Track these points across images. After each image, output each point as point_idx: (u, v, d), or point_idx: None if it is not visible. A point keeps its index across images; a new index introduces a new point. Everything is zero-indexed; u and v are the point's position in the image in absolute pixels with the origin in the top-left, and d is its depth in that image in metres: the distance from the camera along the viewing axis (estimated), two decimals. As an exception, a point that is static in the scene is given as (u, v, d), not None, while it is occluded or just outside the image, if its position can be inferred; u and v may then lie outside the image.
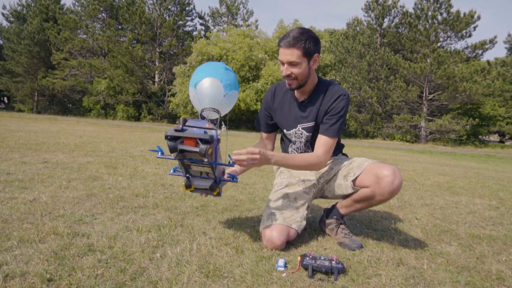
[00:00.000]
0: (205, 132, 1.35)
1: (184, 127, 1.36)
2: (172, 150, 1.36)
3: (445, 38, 21.19)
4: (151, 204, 2.25)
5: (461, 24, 19.86)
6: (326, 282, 1.32)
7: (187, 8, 26.97)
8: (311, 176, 1.93)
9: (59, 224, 1.70)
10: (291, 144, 1.94)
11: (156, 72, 26.02)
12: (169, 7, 26.00)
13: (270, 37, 23.08)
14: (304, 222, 1.77)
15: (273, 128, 1.99)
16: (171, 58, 26.28)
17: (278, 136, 2.03)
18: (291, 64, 1.66)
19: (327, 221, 1.92)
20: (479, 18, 19.98)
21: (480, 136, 23.73)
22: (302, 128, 1.84)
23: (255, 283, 1.27)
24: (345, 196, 1.86)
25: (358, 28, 25.08)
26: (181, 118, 1.39)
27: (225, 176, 1.66)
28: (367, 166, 1.73)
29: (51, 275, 1.20)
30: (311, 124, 1.81)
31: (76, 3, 28.28)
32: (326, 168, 1.92)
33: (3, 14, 31.61)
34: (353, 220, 2.30)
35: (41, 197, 2.18)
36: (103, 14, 27.78)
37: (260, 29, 38.60)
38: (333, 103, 1.74)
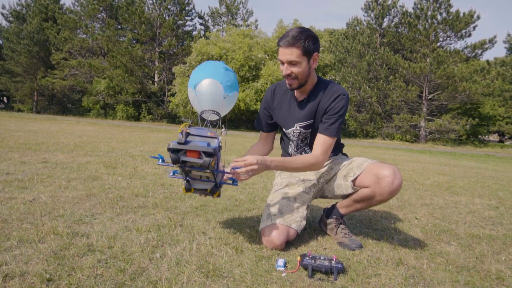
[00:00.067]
0: (209, 145, 1.35)
1: (187, 140, 1.35)
2: (174, 162, 1.36)
3: (445, 38, 21.21)
4: (151, 204, 2.25)
5: (461, 24, 19.87)
6: (326, 282, 1.32)
7: (186, 8, 26.96)
8: (311, 176, 1.93)
9: (58, 224, 1.69)
10: (290, 143, 1.94)
11: (156, 72, 26.01)
12: (169, 7, 25.99)
13: (270, 37, 23.08)
14: (304, 222, 1.77)
15: (272, 127, 1.99)
16: (171, 58, 26.27)
17: (278, 136, 2.03)
18: (291, 63, 1.66)
19: (327, 221, 1.92)
20: (478, 18, 20.00)
21: (479, 136, 23.74)
22: (301, 127, 1.84)
23: (254, 283, 1.27)
24: (345, 196, 1.86)
25: (357, 28, 25.09)
26: (183, 129, 1.37)
27: (225, 179, 1.66)
28: (367, 166, 1.73)
29: (50, 275, 1.20)
30: (310, 122, 1.81)
31: (76, 3, 28.29)
32: (326, 168, 1.92)
33: (2, 14, 31.62)
34: (353, 220, 2.30)
35: (40, 197, 2.17)
36: (102, 14, 27.77)
37: (260, 29, 38.66)
38: (332, 103, 1.74)
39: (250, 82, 20.22)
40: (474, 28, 20.41)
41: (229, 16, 31.15)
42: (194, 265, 1.37)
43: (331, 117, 1.74)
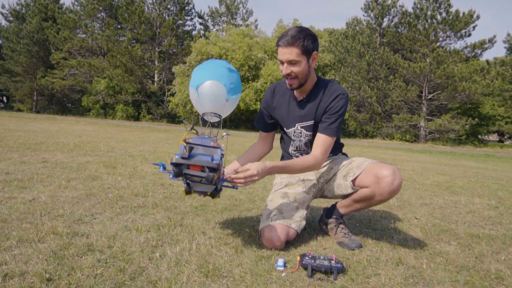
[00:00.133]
0: (212, 159, 1.35)
1: (191, 154, 1.35)
2: (177, 175, 1.37)
3: (445, 38, 21.21)
4: (151, 203, 2.25)
5: (460, 23, 19.88)
6: (326, 281, 1.32)
7: (186, 8, 26.96)
8: (311, 176, 1.93)
9: (58, 224, 1.69)
10: (291, 142, 1.94)
11: (156, 71, 26.00)
12: (169, 6, 25.99)
13: (270, 36, 23.08)
14: (304, 222, 1.77)
15: (272, 127, 1.99)
16: (171, 58, 26.27)
17: (278, 135, 2.03)
18: (291, 62, 1.66)
19: (327, 220, 1.92)
20: (478, 17, 20.01)
21: (479, 136, 23.75)
22: (301, 127, 1.84)
23: (254, 282, 1.27)
24: (345, 196, 1.86)
25: (357, 28, 25.08)
26: (186, 138, 1.37)
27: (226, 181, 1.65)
28: (366, 166, 1.73)
29: (50, 275, 1.20)
30: (310, 122, 1.81)
31: (75, 3, 28.30)
32: (325, 168, 1.92)
33: (2, 14, 31.62)
34: (353, 220, 2.30)
35: (40, 196, 2.17)
36: (102, 14, 27.76)
37: (260, 28, 38.68)
38: (332, 102, 1.74)
39: (250, 82, 20.23)
40: (473, 28, 20.43)
41: (228, 16, 31.14)
42: (194, 265, 1.37)
43: (331, 117, 1.74)
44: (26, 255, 1.33)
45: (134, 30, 25.76)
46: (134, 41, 26.22)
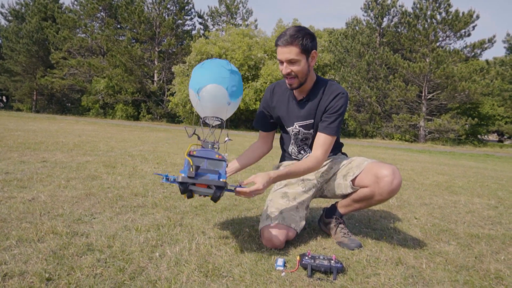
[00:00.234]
0: (219, 178, 1.36)
1: (198, 172, 1.35)
2: (183, 192, 1.38)
3: (444, 38, 21.22)
4: (150, 203, 2.25)
5: (460, 23, 19.88)
6: (325, 281, 1.32)
7: (186, 7, 26.95)
8: (311, 175, 1.93)
9: (58, 224, 1.69)
10: (291, 142, 1.94)
11: (155, 71, 25.99)
12: (168, 6, 25.97)
13: (269, 36, 23.09)
14: (303, 222, 1.77)
15: (272, 126, 1.99)
16: (170, 58, 26.26)
17: (277, 135, 2.03)
18: (290, 62, 1.66)
19: (326, 220, 1.92)
20: (478, 17, 20.02)
21: (479, 136, 23.77)
22: (300, 126, 1.84)
23: (254, 282, 1.27)
24: (345, 196, 1.86)
25: (357, 28, 25.08)
26: (191, 155, 1.36)
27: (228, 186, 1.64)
28: (366, 166, 1.74)
29: (50, 275, 1.19)
30: (310, 122, 1.81)
31: (75, 2, 28.27)
32: (325, 168, 1.92)
33: (1, 13, 31.57)
34: (352, 220, 2.30)
35: (40, 196, 2.17)
36: (102, 13, 27.74)
37: (259, 28, 38.68)
38: (331, 101, 1.74)
39: (250, 81, 20.23)
40: (473, 27, 20.44)
41: (228, 16, 31.12)
42: (194, 265, 1.37)
43: (331, 116, 1.74)
44: (26, 254, 1.33)
45: (134, 30, 25.75)
46: (134, 40, 26.21)
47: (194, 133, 1.50)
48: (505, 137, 27.85)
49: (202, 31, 27.72)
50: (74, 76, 26.76)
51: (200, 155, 1.38)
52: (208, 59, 1.71)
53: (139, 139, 7.60)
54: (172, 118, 24.96)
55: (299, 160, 1.96)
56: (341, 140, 2.07)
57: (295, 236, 1.72)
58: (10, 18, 31.10)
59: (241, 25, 27.93)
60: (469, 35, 20.65)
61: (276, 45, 1.68)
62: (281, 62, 1.69)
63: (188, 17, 27.92)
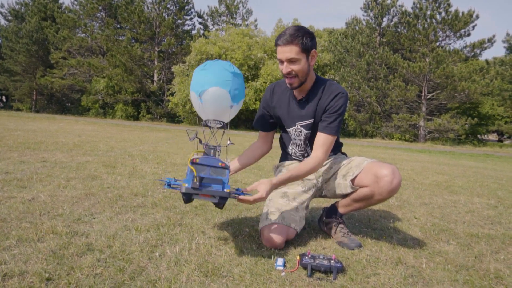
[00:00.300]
0: (223, 188, 1.36)
1: (202, 183, 1.36)
2: (187, 202, 1.38)
3: (444, 38, 21.21)
4: (150, 203, 2.25)
5: (460, 23, 19.88)
6: (325, 281, 1.32)
7: (186, 7, 26.93)
8: (311, 175, 1.93)
9: (57, 223, 1.69)
10: (291, 142, 1.94)
11: (155, 71, 25.98)
12: (168, 6, 25.96)
13: (269, 36, 23.09)
14: (303, 222, 1.77)
15: (271, 126, 1.99)
16: (170, 57, 26.25)
17: (277, 135, 2.03)
18: (291, 61, 1.66)
19: (326, 220, 1.92)
20: (477, 17, 20.01)
21: (478, 135, 23.77)
22: (301, 126, 1.84)
23: (254, 282, 1.27)
24: (344, 196, 1.86)
25: (357, 28, 25.07)
26: (194, 163, 1.36)
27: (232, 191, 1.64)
28: (366, 166, 1.74)
29: (50, 274, 1.19)
30: (310, 121, 1.81)
31: (75, 2, 28.25)
32: (325, 167, 1.92)
33: (1, 13, 31.55)
34: (352, 219, 2.30)
35: (39, 196, 2.17)
36: (101, 13, 27.73)
37: (259, 28, 38.67)
38: (331, 101, 1.74)
39: (250, 81, 20.23)
40: (473, 27, 20.43)
41: (228, 16, 31.11)
42: (194, 265, 1.37)
43: (331, 116, 1.74)
44: (26, 254, 1.33)
45: (134, 30, 25.74)
46: (134, 40, 26.20)
47: (196, 137, 1.49)
48: (505, 136, 27.86)
49: (202, 31, 27.71)
50: (74, 76, 26.75)
51: (203, 162, 1.38)
52: (209, 60, 1.70)
53: (139, 139, 7.60)
54: (172, 118, 24.95)
55: (298, 159, 1.96)
56: (341, 140, 2.07)
57: (295, 236, 1.72)
58: (9, 18, 31.08)
59: (241, 25, 27.93)
60: (469, 35, 20.66)
61: (276, 44, 1.68)
62: (281, 62, 1.69)
63: (188, 17, 27.93)
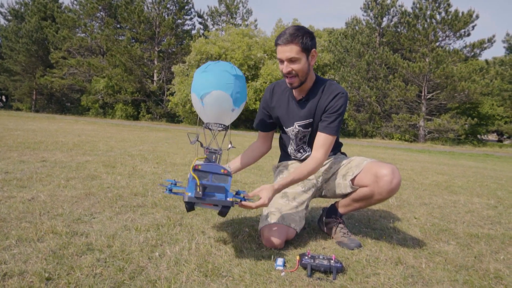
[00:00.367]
0: (226, 197, 1.36)
1: (205, 192, 1.35)
2: (189, 210, 1.38)
3: (444, 38, 21.21)
4: (150, 203, 2.25)
5: (460, 23, 19.88)
6: (325, 281, 1.32)
7: (186, 7, 26.92)
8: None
9: (57, 223, 1.69)
10: (290, 142, 1.94)
11: (155, 71, 25.98)
12: (168, 6, 25.95)
13: (269, 36, 23.09)
14: (303, 222, 1.77)
15: (271, 126, 1.99)
16: (170, 57, 26.24)
17: (276, 135, 2.03)
18: (291, 60, 1.66)
19: (326, 220, 1.92)
20: (477, 17, 20.02)
21: (478, 135, 23.77)
22: (299, 126, 1.84)
23: (254, 282, 1.27)
24: (344, 195, 1.86)
25: (357, 28, 25.07)
26: (196, 170, 1.35)
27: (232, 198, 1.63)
28: (366, 165, 1.74)
29: (49, 274, 1.19)
30: (309, 121, 1.81)
31: (75, 2, 28.24)
32: (325, 167, 1.93)
33: (1, 13, 31.53)
34: (352, 219, 2.30)
35: (39, 196, 2.17)
36: (101, 13, 27.72)
37: (259, 28, 38.67)
38: (331, 101, 1.74)
39: (249, 81, 20.23)
40: (473, 27, 20.43)
41: (228, 16, 31.11)
42: (193, 264, 1.37)
43: (331, 116, 1.74)
44: (25, 254, 1.33)
45: (134, 30, 25.73)
46: (134, 40, 26.19)
47: (197, 140, 1.49)
48: (505, 137, 27.87)
49: (202, 31, 27.71)
50: (74, 76, 26.74)
51: (206, 169, 1.38)
52: (210, 61, 1.68)
53: (138, 139, 7.59)
54: (172, 118, 24.94)
55: (298, 159, 1.96)
56: (341, 140, 2.07)
57: (294, 236, 1.72)
58: (9, 17, 31.06)
59: (241, 25, 27.93)
60: (468, 35, 20.66)
61: (276, 44, 1.68)
62: (282, 61, 1.69)
63: (188, 17, 27.92)
